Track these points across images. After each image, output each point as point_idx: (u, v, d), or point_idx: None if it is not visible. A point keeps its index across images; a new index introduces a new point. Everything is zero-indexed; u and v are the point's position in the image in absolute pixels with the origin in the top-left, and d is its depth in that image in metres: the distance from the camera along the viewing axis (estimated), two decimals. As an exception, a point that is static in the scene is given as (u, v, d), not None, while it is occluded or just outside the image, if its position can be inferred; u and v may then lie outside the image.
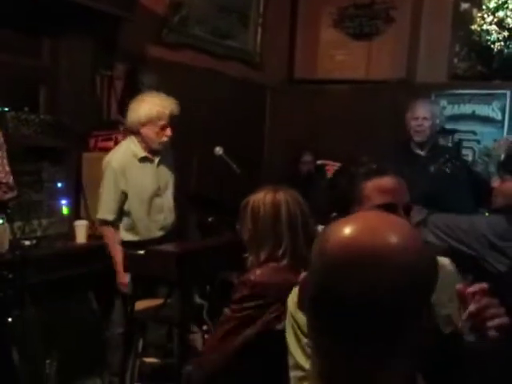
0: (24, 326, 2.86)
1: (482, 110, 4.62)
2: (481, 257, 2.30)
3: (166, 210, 3.34)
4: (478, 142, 4.63)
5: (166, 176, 3.36)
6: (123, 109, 3.93)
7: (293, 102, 5.42)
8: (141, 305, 2.92)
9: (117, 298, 3.21)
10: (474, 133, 4.64)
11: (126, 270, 2.84)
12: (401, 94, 4.79)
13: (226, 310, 1.91)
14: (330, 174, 2.54)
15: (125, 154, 3.21)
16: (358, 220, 0.82)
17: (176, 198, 3.44)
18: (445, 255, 1.56)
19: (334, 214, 1.40)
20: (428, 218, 2.34)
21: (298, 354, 1.39)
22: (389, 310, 0.74)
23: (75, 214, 3.51)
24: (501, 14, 4.55)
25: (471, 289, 1.01)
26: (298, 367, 1.38)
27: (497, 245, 2.27)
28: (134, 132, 3.22)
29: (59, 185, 3.43)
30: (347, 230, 0.77)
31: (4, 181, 2.58)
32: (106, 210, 3.19)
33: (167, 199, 3.36)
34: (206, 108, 4.27)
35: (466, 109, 4.69)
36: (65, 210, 3.43)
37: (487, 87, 4.61)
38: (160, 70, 4.15)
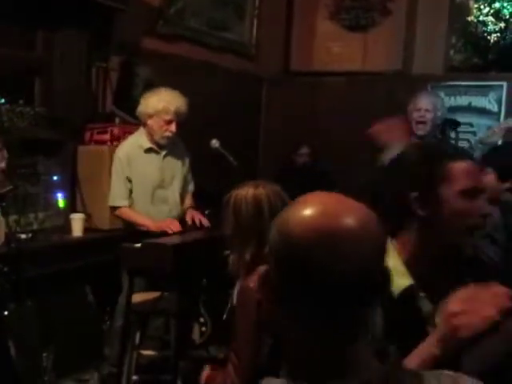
0: (20, 320, 2.85)
1: (479, 101, 4.62)
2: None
3: (171, 203, 3.38)
4: (475, 133, 4.63)
5: (173, 169, 3.40)
6: (119, 101, 3.93)
7: (289, 94, 5.41)
8: (138, 297, 2.92)
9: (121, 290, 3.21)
10: (471, 125, 4.64)
11: (123, 265, 2.85)
12: (397, 86, 4.79)
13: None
14: None
15: (132, 144, 3.30)
16: (318, 201, 0.83)
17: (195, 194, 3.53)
18: None
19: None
20: None
21: None
22: (354, 287, 0.77)
23: (71, 207, 3.50)
24: (497, 4, 4.56)
25: None
26: None
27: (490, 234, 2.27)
28: (143, 123, 3.30)
29: (55, 178, 3.41)
30: (311, 212, 0.80)
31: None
32: (117, 197, 3.27)
33: (172, 192, 3.39)
34: (201, 100, 4.24)
35: (463, 100, 4.69)
36: (61, 203, 3.41)
37: (483, 79, 4.61)
38: (155, 61, 4.13)
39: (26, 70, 3.52)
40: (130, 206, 3.29)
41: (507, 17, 4.50)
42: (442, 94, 4.70)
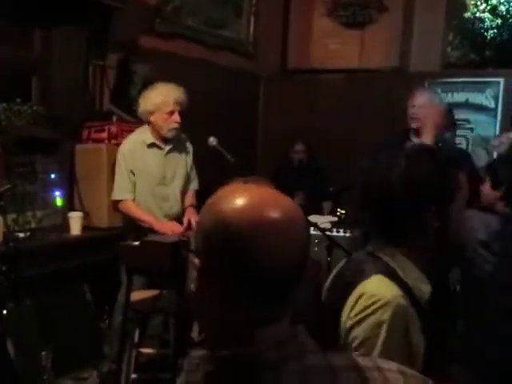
0: (19, 319, 2.85)
1: (476, 98, 4.62)
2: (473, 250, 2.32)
3: (171, 200, 3.39)
4: (472, 130, 4.64)
5: (175, 166, 3.40)
6: (116, 99, 3.93)
7: (286, 92, 5.42)
8: (137, 295, 2.91)
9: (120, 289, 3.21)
10: (468, 121, 4.65)
11: (122, 263, 2.85)
12: (394, 83, 4.80)
13: None
14: None
15: (135, 140, 3.32)
16: (252, 193, 0.86)
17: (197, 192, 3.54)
18: None
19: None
20: None
21: None
22: (291, 274, 0.83)
23: (69, 205, 3.49)
24: (494, 1, 4.56)
25: None
26: None
27: (487, 243, 2.29)
28: (147, 121, 3.31)
29: (53, 176, 3.40)
30: (246, 202, 0.84)
31: None
32: (121, 190, 3.28)
33: (173, 189, 3.39)
34: (199, 98, 4.23)
35: (460, 97, 4.69)
36: (59, 202, 3.40)
37: (480, 75, 4.61)
38: (153, 59, 4.13)
39: (23, 68, 3.52)
40: (134, 201, 3.29)
41: (504, 13, 4.50)
42: (439, 91, 4.71)
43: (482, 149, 4.02)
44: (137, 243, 2.69)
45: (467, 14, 4.72)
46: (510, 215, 2.35)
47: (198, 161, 3.61)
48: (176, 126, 3.26)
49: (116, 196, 3.30)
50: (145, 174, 3.29)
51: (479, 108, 4.61)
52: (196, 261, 0.87)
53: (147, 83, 3.75)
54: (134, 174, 3.27)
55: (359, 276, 1.31)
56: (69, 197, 3.50)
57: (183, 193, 3.46)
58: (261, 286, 0.82)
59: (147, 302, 2.83)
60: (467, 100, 4.65)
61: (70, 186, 3.53)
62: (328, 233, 3.05)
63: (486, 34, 4.50)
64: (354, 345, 1.24)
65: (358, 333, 1.24)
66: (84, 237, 3.38)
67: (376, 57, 5.25)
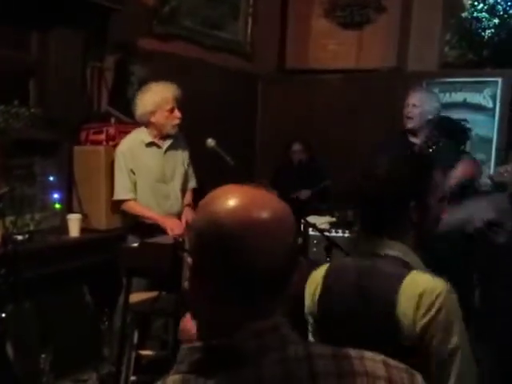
0: (18, 321, 2.85)
1: (474, 97, 4.62)
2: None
3: (172, 198, 3.41)
4: (470, 129, 4.64)
5: (174, 164, 3.43)
6: (114, 100, 3.92)
7: (284, 92, 5.42)
8: (136, 297, 2.91)
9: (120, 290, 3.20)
10: (466, 121, 4.64)
11: (121, 263, 2.84)
12: (392, 83, 4.80)
13: None
14: None
15: (133, 140, 3.33)
16: (243, 194, 0.89)
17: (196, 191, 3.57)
18: None
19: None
20: None
21: None
22: (276, 272, 0.86)
23: (68, 207, 3.49)
24: (491, 0, 4.56)
25: None
26: None
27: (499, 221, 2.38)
28: (146, 123, 3.32)
29: (51, 178, 3.40)
30: (238, 203, 0.87)
31: None
32: (123, 190, 3.29)
33: (173, 187, 3.41)
34: (197, 99, 4.24)
35: (458, 97, 4.69)
36: (57, 204, 3.40)
37: (478, 75, 4.62)
38: (150, 61, 4.12)
39: (20, 70, 3.51)
40: (136, 200, 3.30)
41: (501, 13, 4.50)
42: (436, 91, 4.71)
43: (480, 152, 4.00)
44: (136, 245, 2.69)
45: (465, 14, 4.72)
46: None
47: (196, 161, 3.61)
48: (178, 121, 3.30)
49: (118, 196, 3.30)
50: (145, 172, 3.30)
51: (477, 108, 4.61)
52: (189, 260, 0.89)
53: (145, 84, 3.76)
54: (134, 173, 3.29)
55: (389, 278, 1.37)
56: (67, 199, 3.50)
57: (183, 191, 3.47)
58: (251, 285, 0.85)
59: (146, 303, 2.83)
60: (465, 100, 4.65)
61: (69, 188, 3.53)
62: (327, 233, 3.05)
63: (483, 33, 4.50)
64: (435, 342, 1.30)
65: (437, 330, 1.30)
66: (83, 239, 3.37)
67: (374, 57, 5.25)
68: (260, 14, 5.35)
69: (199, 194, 3.68)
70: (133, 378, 2.92)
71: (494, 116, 4.56)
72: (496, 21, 4.51)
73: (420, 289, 1.32)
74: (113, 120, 3.69)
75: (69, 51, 3.57)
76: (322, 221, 3.54)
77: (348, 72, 5.27)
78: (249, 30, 5.31)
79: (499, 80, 4.51)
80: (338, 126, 5.08)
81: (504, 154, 4.37)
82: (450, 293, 1.33)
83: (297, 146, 4.87)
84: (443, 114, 4.48)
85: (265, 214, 0.87)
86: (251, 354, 0.84)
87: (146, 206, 3.30)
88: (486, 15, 4.52)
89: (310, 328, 1.56)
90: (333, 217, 4.11)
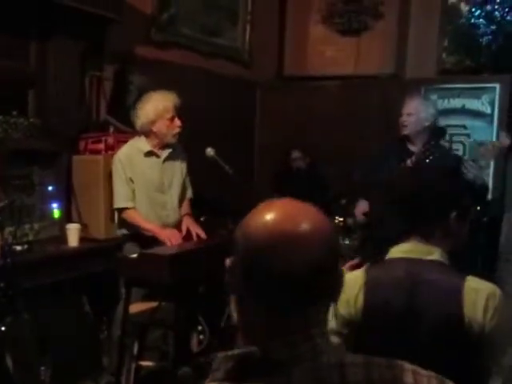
0: (17, 333, 2.84)
1: (472, 104, 4.63)
2: None
3: (169, 208, 3.40)
4: (469, 135, 4.65)
5: (172, 174, 3.42)
6: (113, 109, 3.92)
7: (283, 99, 5.42)
8: (135, 308, 2.91)
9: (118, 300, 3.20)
10: (465, 127, 4.66)
11: (120, 276, 2.84)
12: (391, 89, 4.81)
13: None
14: None
15: (131, 148, 3.33)
16: (276, 207, 0.93)
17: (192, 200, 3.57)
18: None
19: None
20: None
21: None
22: (305, 284, 0.88)
23: (67, 217, 3.49)
24: (488, 7, 4.57)
25: None
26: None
27: None
28: (146, 133, 3.31)
29: (50, 188, 3.40)
30: (267, 217, 0.90)
31: None
32: (123, 198, 3.27)
33: (171, 197, 3.41)
34: (196, 106, 4.25)
35: (456, 103, 4.70)
36: (56, 214, 3.40)
37: (476, 81, 4.62)
38: (149, 69, 4.13)
39: (19, 80, 3.50)
40: (135, 209, 3.29)
41: (499, 19, 4.51)
42: (435, 97, 4.73)
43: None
44: (135, 256, 2.69)
45: (462, 20, 4.73)
46: None
47: (195, 169, 3.61)
48: (178, 130, 3.30)
49: (119, 204, 3.29)
50: (142, 182, 3.30)
51: (476, 114, 4.61)
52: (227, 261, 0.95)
53: (144, 93, 3.76)
54: (132, 182, 3.28)
55: (447, 283, 1.45)
56: (66, 208, 3.50)
57: (180, 201, 3.47)
58: (283, 296, 0.88)
59: (146, 314, 2.83)
60: (463, 106, 4.66)
61: (68, 197, 3.53)
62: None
63: (481, 40, 4.51)
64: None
65: (503, 329, 1.42)
66: (82, 248, 3.37)
67: (372, 63, 5.26)
68: (258, 21, 5.36)
69: (197, 202, 3.69)
70: (133, 388, 2.92)
71: (492, 122, 4.56)
72: (493, 27, 4.51)
73: (484, 293, 1.42)
74: (111, 129, 3.70)
75: (67, 61, 3.57)
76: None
77: (346, 78, 5.28)
78: (247, 37, 5.32)
79: (497, 86, 4.52)
80: (337, 132, 5.08)
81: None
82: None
83: (296, 154, 4.87)
84: (442, 120, 4.52)
85: (296, 226, 0.89)
86: (283, 363, 0.86)
87: (143, 216, 3.29)
88: (484, 21, 4.53)
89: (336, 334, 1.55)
90: (335, 223, 4.11)
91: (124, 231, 3.33)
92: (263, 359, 0.87)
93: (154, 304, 2.86)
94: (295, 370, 0.86)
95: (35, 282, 2.95)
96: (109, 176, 3.37)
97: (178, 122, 3.29)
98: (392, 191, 1.69)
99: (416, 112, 3.43)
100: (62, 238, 3.35)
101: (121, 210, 3.30)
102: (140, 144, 3.33)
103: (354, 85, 5.20)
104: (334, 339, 1.53)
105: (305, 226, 0.89)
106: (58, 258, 3.26)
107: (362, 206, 3.52)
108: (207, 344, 3.38)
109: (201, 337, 3.42)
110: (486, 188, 4.26)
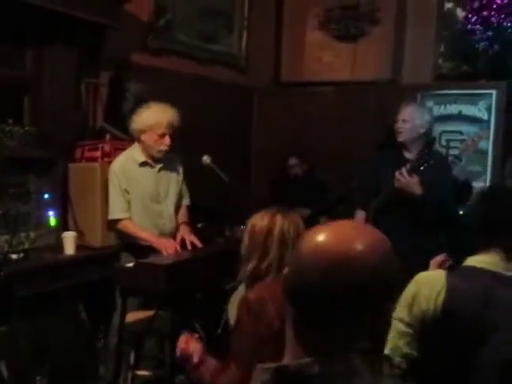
0: (13, 341, 2.83)
1: (469, 109, 4.62)
2: None
3: (165, 217, 3.40)
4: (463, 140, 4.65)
5: (168, 183, 3.42)
6: (109, 116, 3.92)
7: (280, 105, 5.42)
8: (132, 317, 2.90)
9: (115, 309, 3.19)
10: (461, 133, 4.65)
11: (116, 285, 2.83)
12: (387, 95, 4.81)
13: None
14: None
15: (127, 158, 3.32)
16: (330, 228, 0.95)
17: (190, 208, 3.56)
18: None
19: None
20: None
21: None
22: (350, 306, 0.89)
23: (63, 225, 3.47)
24: (485, 13, 4.57)
25: None
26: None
27: None
28: (137, 139, 3.31)
29: (46, 196, 3.39)
30: (317, 237, 0.92)
31: None
32: (118, 209, 3.27)
33: (167, 206, 3.40)
34: (192, 113, 4.25)
35: (453, 109, 4.69)
36: (52, 222, 3.39)
37: (473, 87, 4.62)
38: (145, 76, 4.13)
39: (14, 88, 3.50)
40: (131, 219, 3.29)
41: (495, 25, 4.51)
42: (431, 103, 4.72)
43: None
44: (131, 265, 2.68)
45: (458, 26, 4.73)
46: None
47: (191, 176, 3.60)
48: (165, 148, 3.26)
49: (113, 215, 3.28)
50: (138, 192, 3.29)
51: (472, 120, 4.61)
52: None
53: (140, 100, 3.75)
54: (128, 193, 3.27)
55: None
56: (62, 216, 3.48)
57: (176, 209, 3.46)
58: (316, 315, 0.91)
59: (142, 323, 2.82)
60: (460, 112, 4.65)
61: (64, 205, 3.51)
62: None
63: (477, 45, 4.51)
64: None
65: None
66: (78, 256, 3.35)
67: (369, 69, 5.26)
68: (254, 27, 5.37)
69: (194, 209, 3.69)
70: (129, 397, 2.90)
71: (488, 128, 4.56)
72: (490, 33, 4.51)
73: None
74: (108, 136, 3.69)
75: (63, 68, 3.57)
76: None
77: (343, 84, 5.28)
78: (244, 43, 5.32)
79: (493, 92, 4.51)
80: (334, 138, 5.08)
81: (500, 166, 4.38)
82: None
83: (293, 161, 4.87)
84: (439, 126, 4.52)
85: (351, 246, 0.90)
86: (315, 380, 0.89)
87: (139, 226, 3.28)
88: (480, 27, 4.53)
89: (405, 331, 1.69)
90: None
91: (119, 242, 3.32)
92: (296, 374, 0.90)
93: (150, 313, 2.86)
94: None
95: (31, 291, 2.94)
96: (105, 184, 3.36)
97: (167, 140, 3.25)
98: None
99: (411, 119, 3.43)
100: (58, 246, 3.33)
101: (116, 221, 3.29)
102: (135, 154, 3.32)
103: (351, 90, 5.20)
104: (401, 327, 1.69)
105: (350, 247, 0.90)
106: (54, 266, 3.24)
107: (360, 217, 3.51)
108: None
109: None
110: (470, 185, 4.28)
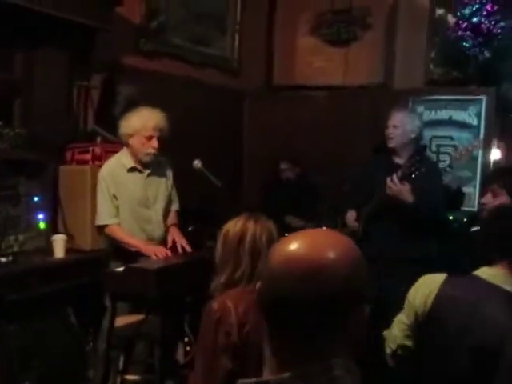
0: (1, 345, 2.81)
1: (459, 115, 4.66)
2: None
3: (154, 222, 3.38)
4: (455, 147, 4.67)
5: (156, 189, 3.40)
6: (100, 119, 3.91)
7: (271, 109, 5.42)
8: (121, 321, 2.89)
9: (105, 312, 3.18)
10: (451, 138, 4.68)
11: (106, 290, 2.82)
12: (379, 100, 4.83)
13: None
14: None
15: (115, 164, 3.30)
16: (302, 237, 0.95)
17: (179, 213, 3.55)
18: None
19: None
20: None
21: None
22: (324, 314, 0.89)
23: (53, 228, 3.46)
24: (475, 19, 4.60)
25: None
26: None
27: None
28: (126, 143, 3.30)
29: (36, 199, 3.37)
30: (289, 247, 0.92)
31: None
32: (106, 215, 3.25)
33: (155, 212, 3.38)
34: (184, 116, 4.25)
35: (443, 114, 4.73)
36: (42, 225, 3.37)
37: (463, 93, 4.66)
38: (137, 78, 4.12)
39: (4, 90, 3.49)
40: (119, 224, 3.27)
41: (485, 31, 4.54)
42: (422, 108, 4.76)
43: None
44: (121, 270, 2.67)
45: (449, 32, 4.76)
46: None
47: (182, 179, 3.59)
48: (152, 151, 3.24)
49: (101, 221, 3.26)
50: (127, 197, 3.28)
51: (462, 125, 4.64)
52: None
53: (131, 103, 3.74)
54: (116, 198, 3.26)
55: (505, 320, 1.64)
56: (52, 219, 3.47)
57: (165, 214, 3.45)
58: (292, 327, 0.90)
59: (132, 327, 2.81)
60: (450, 117, 4.69)
61: (54, 208, 3.50)
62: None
63: (467, 52, 4.54)
64: None
65: None
66: (68, 259, 3.33)
67: (360, 74, 5.28)
68: (246, 31, 5.37)
69: (184, 212, 3.68)
70: (118, 402, 2.89)
71: (478, 133, 4.59)
72: (480, 39, 4.54)
73: None
74: (99, 139, 3.68)
75: (54, 70, 3.55)
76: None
77: (335, 89, 5.29)
78: (235, 47, 5.33)
79: (483, 98, 4.55)
80: (325, 142, 5.10)
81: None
82: None
83: (284, 165, 4.87)
84: (429, 131, 4.55)
85: (323, 254, 0.90)
86: None
87: (128, 231, 3.27)
88: (471, 34, 4.56)
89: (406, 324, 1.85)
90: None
91: (108, 246, 3.31)
92: None
93: (139, 317, 2.85)
94: None
95: (20, 294, 2.93)
96: (96, 187, 3.34)
97: (154, 143, 3.22)
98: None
99: (401, 124, 3.44)
100: (48, 249, 3.32)
101: (103, 227, 3.27)
102: (124, 159, 3.30)
103: (343, 95, 5.22)
104: (401, 318, 1.88)
105: (322, 255, 0.90)
106: (43, 269, 3.22)
107: (352, 214, 3.54)
108: (193, 356, 3.37)
109: (187, 348, 3.41)
110: (462, 192, 4.31)
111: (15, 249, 3.23)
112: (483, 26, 4.57)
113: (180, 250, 3.26)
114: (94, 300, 3.23)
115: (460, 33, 4.61)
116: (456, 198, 4.08)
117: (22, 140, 3.32)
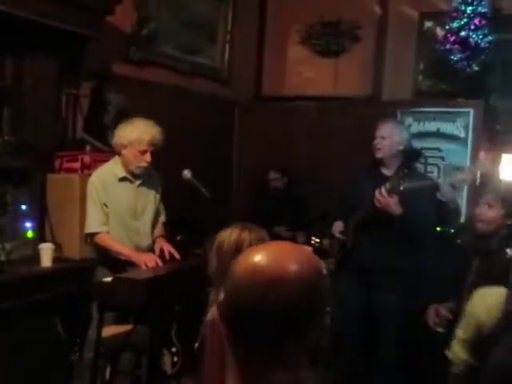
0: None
1: (447, 127, 4.70)
2: None
3: (142, 233, 3.36)
4: (443, 158, 4.71)
5: (146, 200, 3.38)
6: (90, 127, 3.89)
7: (261, 119, 5.44)
8: (108, 331, 2.87)
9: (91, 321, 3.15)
10: (439, 150, 4.73)
11: (94, 300, 2.80)
12: (368, 111, 4.85)
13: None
14: None
15: (107, 172, 3.27)
16: (264, 250, 0.96)
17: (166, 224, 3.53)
18: None
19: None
20: None
21: None
22: (288, 326, 0.90)
23: (40, 236, 3.43)
24: (463, 33, 4.65)
25: None
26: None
27: None
28: (118, 153, 3.27)
29: (23, 207, 3.36)
30: (251, 260, 0.93)
31: None
32: (95, 223, 3.22)
33: (144, 223, 3.36)
34: (173, 125, 4.23)
35: (431, 126, 4.77)
36: (29, 233, 3.35)
37: (451, 105, 4.70)
38: (127, 87, 4.11)
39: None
40: (109, 233, 3.24)
41: (473, 45, 4.59)
42: (411, 120, 4.79)
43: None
44: (109, 280, 2.65)
45: (437, 45, 4.81)
46: None
47: (172, 189, 3.58)
48: (145, 165, 3.23)
49: (91, 229, 3.23)
50: (117, 207, 3.25)
51: (450, 137, 4.69)
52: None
53: (121, 112, 3.74)
54: (106, 207, 3.23)
55: None
56: (40, 228, 3.45)
57: (153, 226, 3.44)
58: (252, 338, 0.91)
59: (119, 338, 2.79)
60: (438, 129, 4.73)
61: (42, 216, 3.48)
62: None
63: (455, 65, 4.59)
64: None
65: None
66: (55, 268, 3.31)
67: (349, 85, 5.32)
68: (237, 40, 5.40)
69: (173, 222, 3.67)
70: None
71: (466, 145, 4.64)
72: (468, 53, 4.59)
73: None
74: (88, 148, 3.66)
75: (44, 78, 3.54)
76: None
77: (324, 99, 5.32)
78: (226, 57, 5.35)
79: (471, 111, 4.60)
80: (314, 152, 5.12)
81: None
82: None
83: (273, 174, 4.89)
84: (417, 142, 4.57)
85: (284, 266, 0.91)
86: None
87: (117, 240, 3.24)
88: (459, 47, 4.60)
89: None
90: (311, 244, 4.13)
91: (95, 255, 3.29)
92: None
93: (127, 327, 2.83)
94: None
95: (6, 303, 2.90)
96: (84, 196, 3.32)
97: (148, 157, 3.20)
98: None
99: (389, 135, 3.46)
100: (35, 258, 3.29)
101: (93, 235, 3.24)
102: (115, 169, 3.27)
103: (332, 106, 5.24)
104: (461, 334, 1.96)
105: (283, 267, 0.91)
106: (30, 278, 3.19)
107: (338, 225, 3.55)
108: (180, 366, 3.36)
109: (175, 359, 3.39)
110: (458, 213, 4.34)
111: (2, 258, 3.21)
112: (471, 39, 4.61)
113: (168, 257, 3.25)
114: (81, 309, 3.20)
115: (448, 46, 4.65)
116: (452, 216, 4.10)
117: (10, 147, 3.30)
